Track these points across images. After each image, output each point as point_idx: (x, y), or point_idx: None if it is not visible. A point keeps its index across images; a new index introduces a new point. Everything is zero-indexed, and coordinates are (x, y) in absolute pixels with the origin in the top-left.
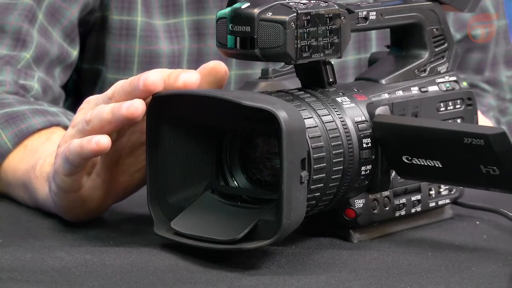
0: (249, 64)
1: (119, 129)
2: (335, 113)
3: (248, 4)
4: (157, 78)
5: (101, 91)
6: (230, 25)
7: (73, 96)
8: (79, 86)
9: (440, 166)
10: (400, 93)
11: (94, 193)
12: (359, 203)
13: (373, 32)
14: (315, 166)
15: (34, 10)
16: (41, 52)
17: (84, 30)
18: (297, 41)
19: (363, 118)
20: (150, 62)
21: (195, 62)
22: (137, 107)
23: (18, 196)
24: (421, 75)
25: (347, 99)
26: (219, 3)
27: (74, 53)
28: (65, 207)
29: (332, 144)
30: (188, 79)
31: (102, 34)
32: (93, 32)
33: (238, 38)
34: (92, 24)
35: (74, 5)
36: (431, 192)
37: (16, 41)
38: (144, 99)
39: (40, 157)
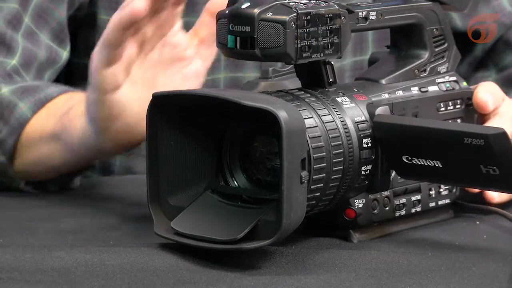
0: (240, 66)
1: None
2: (335, 113)
3: (248, 4)
4: None
5: None
6: (230, 25)
7: None
8: (69, 79)
9: (440, 166)
10: (400, 93)
11: (131, 102)
12: (359, 203)
13: (370, 34)
14: (315, 166)
15: (20, 15)
16: (28, 57)
17: (75, 26)
18: (297, 41)
19: (363, 118)
20: None
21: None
22: None
23: (47, 150)
24: (421, 75)
25: (347, 99)
26: None
27: (64, 53)
28: (105, 120)
29: (332, 144)
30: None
31: (92, 32)
32: (83, 27)
33: (238, 38)
34: (81, 19)
35: (61, 6)
36: (431, 192)
37: (0, 46)
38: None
39: (72, 106)
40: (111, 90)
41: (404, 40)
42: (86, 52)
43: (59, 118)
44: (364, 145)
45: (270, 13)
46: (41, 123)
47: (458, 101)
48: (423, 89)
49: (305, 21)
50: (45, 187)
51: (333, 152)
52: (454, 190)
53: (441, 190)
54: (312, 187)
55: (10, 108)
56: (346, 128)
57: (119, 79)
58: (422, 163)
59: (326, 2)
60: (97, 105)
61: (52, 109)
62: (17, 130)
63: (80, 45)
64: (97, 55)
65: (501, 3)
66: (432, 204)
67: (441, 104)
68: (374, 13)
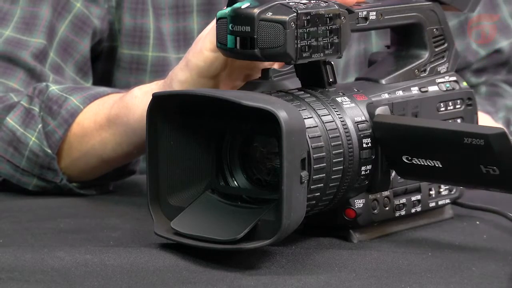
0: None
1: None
2: (335, 113)
3: (248, 4)
4: None
5: None
6: (230, 25)
7: None
8: None
9: (440, 166)
10: (400, 93)
11: None
12: (359, 203)
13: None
14: (315, 166)
15: (46, 50)
16: None
17: (92, 58)
18: (297, 41)
19: (363, 118)
20: None
21: None
22: None
23: (101, 139)
24: (421, 75)
25: (347, 99)
26: None
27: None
28: None
29: (332, 144)
30: None
31: (111, 64)
32: (100, 59)
33: (238, 38)
34: (99, 52)
35: (86, 39)
36: (431, 192)
37: (30, 78)
38: None
39: (131, 90)
40: (207, 75)
41: (404, 40)
42: (102, 83)
43: (118, 100)
44: (364, 145)
45: (270, 13)
46: (95, 111)
47: (458, 101)
48: (423, 89)
49: (305, 21)
50: (88, 187)
51: (333, 152)
52: (454, 190)
53: (441, 190)
54: (312, 187)
55: (59, 102)
56: (346, 128)
57: (219, 67)
58: (422, 163)
59: (326, 2)
60: (184, 84)
61: (107, 100)
62: (67, 122)
63: (96, 76)
64: (209, 37)
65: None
66: (432, 204)
67: (441, 104)
68: (374, 13)
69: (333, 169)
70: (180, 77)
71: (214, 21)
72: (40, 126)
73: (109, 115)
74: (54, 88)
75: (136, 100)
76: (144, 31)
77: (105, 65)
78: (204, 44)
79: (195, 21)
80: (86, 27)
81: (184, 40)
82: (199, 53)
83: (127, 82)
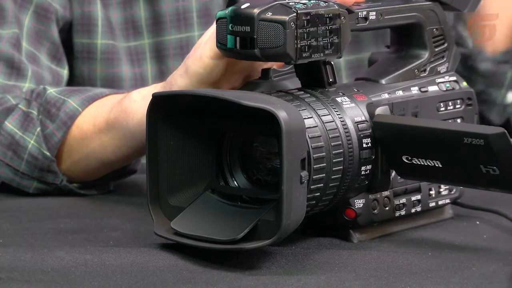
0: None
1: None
2: (335, 113)
3: (248, 4)
4: None
5: None
6: (230, 25)
7: None
8: None
9: (440, 166)
10: (400, 93)
11: None
12: (359, 203)
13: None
14: (315, 166)
15: (20, 39)
16: (39, 80)
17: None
18: (297, 41)
19: (363, 118)
20: (112, 86)
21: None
22: None
23: (101, 142)
24: (421, 75)
25: (347, 99)
26: (176, 24)
27: (64, 72)
28: None
29: (332, 144)
30: None
31: (69, 57)
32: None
33: (238, 38)
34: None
35: (51, 25)
36: (431, 192)
37: (10, 69)
38: None
39: (129, 93)
40: (208, 81)
41: (404, 40)
42: (68, 77)
43: (116, 104)
44: (364, 145)
45: (269, 13)
46: (94, 114)
47: (458, 101)
48: (423, 89)
49: (305, 21)
50: (88, 187)
51: (333, 152)
52: (454, 190)
53: (441, 190)
54: (312, 187)
55: (57, 105)
56: (346, 128)
57: (219, 74)
58: (422, 163)
59: (326, 2)
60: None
61: (105, 103)
62: (66, 124)
63: None
64: (209, 43)
65: None
66: (432, 204)
67: (441, 104)
68: (374, 13)
69: (333, 169)
70: (180, 83)
71: (213, 27)
72: (38, 129)
73: (108, 119)
74: (51, 91)
75: (135, 104)
76: (92, 19)
77: (67, 58)
78: (204, 51)
79: (141, 8)
80: (50, 14)
81: (133, 29)
82: (199, 60)
83: (80, 72)
